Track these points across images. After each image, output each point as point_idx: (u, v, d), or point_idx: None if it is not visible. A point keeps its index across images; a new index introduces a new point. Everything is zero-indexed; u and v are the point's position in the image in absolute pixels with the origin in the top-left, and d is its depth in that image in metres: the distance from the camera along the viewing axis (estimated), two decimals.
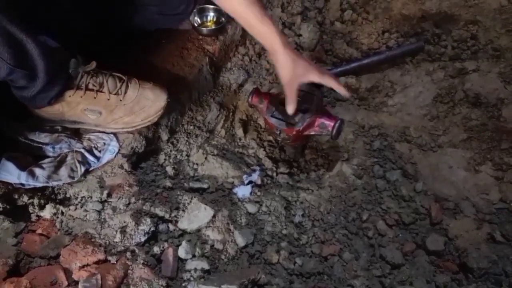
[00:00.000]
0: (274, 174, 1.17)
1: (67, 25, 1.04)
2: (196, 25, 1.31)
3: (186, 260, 0.91)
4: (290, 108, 1.00)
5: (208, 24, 1.34)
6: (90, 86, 0.99)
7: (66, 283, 0.83)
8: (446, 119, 1.25)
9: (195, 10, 1.30)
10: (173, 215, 0.98)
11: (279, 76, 0.98)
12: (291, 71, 0.94)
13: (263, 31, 0.92)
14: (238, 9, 0.92)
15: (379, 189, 1.10)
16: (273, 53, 0.94)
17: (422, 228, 1.01)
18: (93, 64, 0.98)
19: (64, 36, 0.94)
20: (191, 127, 1.23)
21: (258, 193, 1.08)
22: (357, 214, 1.04)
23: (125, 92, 1.02)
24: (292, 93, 0.98)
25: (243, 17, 0.94)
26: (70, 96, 0.97)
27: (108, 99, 1.01)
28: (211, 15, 1.34)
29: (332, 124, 1.06)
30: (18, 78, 0.88)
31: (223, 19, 1.32)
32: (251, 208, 1.04)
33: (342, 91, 1.01)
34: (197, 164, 1.16)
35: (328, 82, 0.98)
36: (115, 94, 1.01)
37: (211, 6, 1.33)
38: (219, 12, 1.33)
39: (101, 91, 1.00)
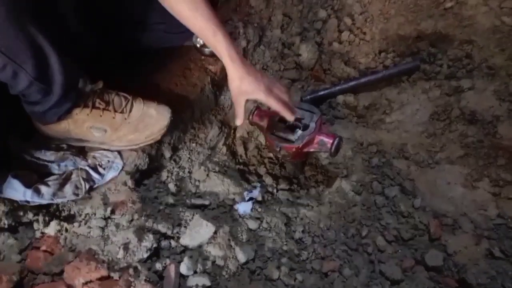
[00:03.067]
0: (275, 190, 1.18)
1: (74, 43, 1.08)
2: (198, 46, 1.35)
3: (187, 276, 0.92)
4: (237, 121, 1.02)
5: None
6: (97, 105, 1.02)
7: None
8: (443, 136, 1.28)
9: None
10: (175, 231, 1.00)
11: (229, 86, 1.00)
12: (237, 87, 0.96)
13: (214, 45, 0.94)
14: (189, 23, 0.96)
15: (378, 205, 1.11)
16: (225, 66, 0.97)
17: (421, 244, 1.02)
18: (100, 84, 1.02)
19: (71, 54, 0.98)
20: (193, 145, 1.26)
21: (259, 210, 1.10)
22: (356, 230, 1.06)
23: (130, 111, 1.05)
24: (238, 106, 1.00)
25: (196, 31, 0.97)
26: (77, 114, 1.00)
27: (114, 117, 1.04)
28: None
29: (331, 141, 1.08)
30: (34, 92, 0.91)
31: None
32: (252, 224, 1.06)
33: (286, 115, 0.99)
34: (199, 181, 1.18)
35: (272, 104, 0.97)
36: (120, 113, 1.04)
37: None
38: None
39: (107, 109, 1.03)
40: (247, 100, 0.99)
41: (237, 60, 0.94)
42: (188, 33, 1.32)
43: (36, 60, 0.85)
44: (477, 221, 1.05)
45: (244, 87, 0.95)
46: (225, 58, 0.94)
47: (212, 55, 1.36)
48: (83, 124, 1.02)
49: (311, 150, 1.12)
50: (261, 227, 1.06)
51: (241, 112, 1.00)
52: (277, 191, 1.18)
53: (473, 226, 1.05)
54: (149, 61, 1.30)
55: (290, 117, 1.00)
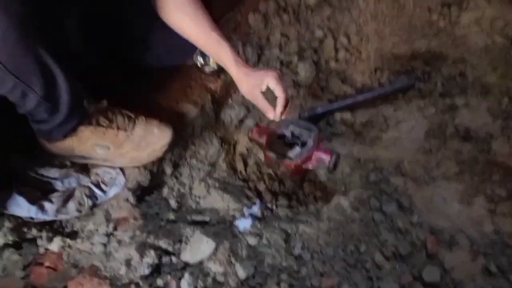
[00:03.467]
0: (274, 206, 1.20)
1: (78, 62, 1.12)
2: (199, 65, 1.39)
3: None
4: (269, 114, 1.05)
5: (211, 64, 1.42)
6: (101, 122, 1.04)
7: None
8: (439, 153, 1.30)
9: (198, 51, 1.39)
10: (176, 247, 1.01)
11: (240, 90, 1.06)
12: (247, 83, 1.02)
13: (219, 54, 1.03)
14: (192, 34, 1.05)
15: (376, 222, 1.13)
16: (228, 71, 1.04)
17: (419, 260, 1.04)
18: (105, 102, 1.05)
19: (75, 72, 1.01)
20: (194, 161, 1.28)
21: (259, 226, 1.11)
22: (355, 247, 1.07)
23: (133, 129, 1.08)
24: (258, 101, 1.04)
25: (200, 43, 1.06)
26: (81, 131, 1.03)
27: (117, 135, 1.06)
28: None
29: (328, 158, 1.11)
30: (41, 111, 0.93)
31: None
32: (252, 241, 1.07)
33: (278, 107, 1.03)
34: (199, 197, 1.20)
35: (281, 89, 1.01)
36: (123, 130, 1.07)
37: None
38: None
39: (111, 127, 1.05)
40: (264, 92, 1.02)
41: (241, 62, 1.02)
42: (189, 53, 1.38)
43: (45, 80, 0.88)
44: (473, 237, 1.07)
45: (253, 81, 1.01)
46: (230, 63, 1.01)
47: (212, 74, 1.40)
48: (87, 141, 1.04)
49: (310, 166, 1.15)
50: (260, 243, 1.07)
51: (266, 104, 1.04)
52: (277, 207, 1.20)
53: (469, 242, 1.06)
54: (151, 80, 1.34)
55: (276, 116, 1.05)
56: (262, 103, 1.04)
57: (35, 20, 0.82)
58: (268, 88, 1.01)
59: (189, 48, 1.35)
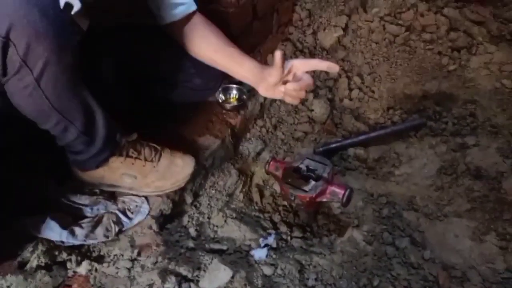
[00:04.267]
0: (289, 238, 1.24)
1: (113, 99, 1.21)
2: (220, 101, 1.48)
3: None
4: (302, 94, 1.16)
5: (231, 100, 1.52)
6: (130, 154, 1.12)
7: None
8: (451, 190, 1.34)
9: (220, 88, 1.49)
10: (195, 274, 1.05)
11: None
12: (275, 77, 1.13)
13: (242, 75, 1.22)
14: (216, 63, 1.23)
15: (389, 256, 1.15)
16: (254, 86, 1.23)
17: None
18: (135, 135, 1.14)
19: (110, 108, 1.10)
20: (213, 191, 1.34)
21: (274, 256, 1.15)
22: (368, 280, 1.09)
23: (159, 160, 1.16)
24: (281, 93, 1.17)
25: (223, 68, 1.24)
26: (112, 162, 1.10)
27: (144, 165, 1.14)
28: (234, 93, 1.52)
29: (342, 192, 1.16)
30: (79, 143, 1.01)
31: (244, 96, 1.50)
32: (267, 270, 1.11)
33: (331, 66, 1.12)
34: (217, 226, 1.25)
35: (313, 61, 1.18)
36: (150, 161, 1.14)
37: (234, 85, 1.51)
38: (240, 90, 1.51)
39: (139, 158, 1.13)
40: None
41: (257, 67, 1.19)
42: (212, 91, 1.48)
43: (85, 117, 0.97)
44: (485, 274, 1.09)
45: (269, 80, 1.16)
46: (250, 81, 1.22)
47: (232, 109, 1.49)
48: (117, 171, 1.12)
49: (324, 199, 1.20)
50: (275, 273, 1.10)
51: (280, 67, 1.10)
52: (291, 238, 1.24)
53: (481, 279, 1.08)
54: (176, 115, 1.43)
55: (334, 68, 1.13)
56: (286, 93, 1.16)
57: (81, 64, 0.92)
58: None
59: (212, 86, 1.47)
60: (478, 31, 1.80)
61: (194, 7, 1.19)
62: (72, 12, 0.88)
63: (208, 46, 1.20)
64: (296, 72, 1.13)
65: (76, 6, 0.87)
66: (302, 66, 1.12)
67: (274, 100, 1.65)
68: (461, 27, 1.82)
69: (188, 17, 1.19)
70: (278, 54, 1.05)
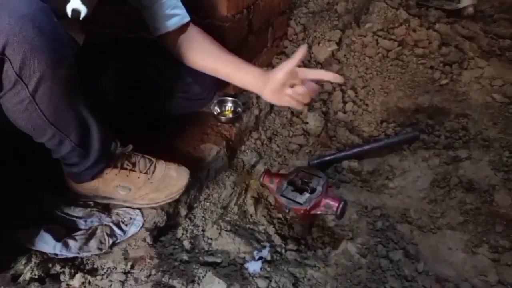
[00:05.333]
0: (283, 250, 1.24)
1: (109, 112, 1.22)
2: (215, 113, 1.50)
3: None
4: (306, 98, 1.13)
5: (226, 113, 1.53)
6: (125, 165, 1.13)
7: None
8: (443, 203, 1.35)
9: (215, 101, 1.50)
10: (189, 287, 1.05)
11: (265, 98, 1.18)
12: (279, 82, 1.10)
13: (241, 82, 1.19)
14: (213, 72, 1.22)
15: (383, 268, 1.16)
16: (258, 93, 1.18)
17: None
18: (130, 147, 1.14)
19: (105, 121, 1.11)
20: (207, 204, 1.34)
21: (268, 269, 1.15)
22: None
23: (153, 172, 1.16)
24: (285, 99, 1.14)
25: (221, 76, 1.21)
26: (107, 173, 1.11)
27: (138, 177, 1.14)
28: (229, 105, 1.54)
29: (336, 204, 1.17)
30: (74, 156, 1.02)
31: (239, 109, 1.52)
32: (261, 283, 1.10)
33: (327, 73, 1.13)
34: (211, 239, 1.25)
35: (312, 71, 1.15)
36: (144, 173, 1.15)
37: (229, 98, 1.53)
38: (235, 103, 1.53)
39: (133, 170, 1.13)
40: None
41: (257, 72, 1.16)
42: (206, 100, 1.49)
43: (80, 130, 0.97)
44: (478, 287, 1.09)
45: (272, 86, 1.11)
46: (257, 89, 1.17)
47: (227, 122, 1.50)
48: (111, 183, 1.12)
49: (318, 212, 1.20)
50: (270, 286, 1.10)
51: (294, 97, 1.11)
52: (286, 251, 1.24)
53: None
54: (170, 126, 1.44)
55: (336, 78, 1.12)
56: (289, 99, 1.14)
57: (78, 79, 0.93)
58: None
59: (207, 95, 1.47)
60: (469, 46, 1.84)
61: (187, 18, 1.21)
62: (81, 18, 0.89)
63: (208, 55, 1.21)
64: (302, 79, 1.13)
65: (83, 11, 0.88)
66: (307, 73, 1.11)
67: (269, 113, 1.67)
68: (452, 42, 1.87)
69: (183, 28, 1.21)
70: (303, 46, 1.08)
